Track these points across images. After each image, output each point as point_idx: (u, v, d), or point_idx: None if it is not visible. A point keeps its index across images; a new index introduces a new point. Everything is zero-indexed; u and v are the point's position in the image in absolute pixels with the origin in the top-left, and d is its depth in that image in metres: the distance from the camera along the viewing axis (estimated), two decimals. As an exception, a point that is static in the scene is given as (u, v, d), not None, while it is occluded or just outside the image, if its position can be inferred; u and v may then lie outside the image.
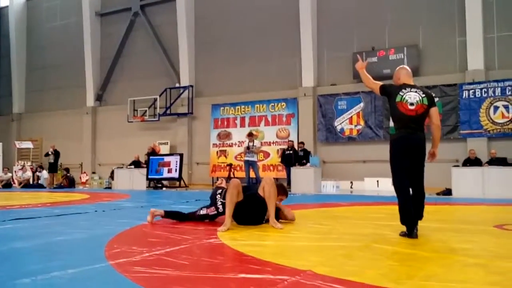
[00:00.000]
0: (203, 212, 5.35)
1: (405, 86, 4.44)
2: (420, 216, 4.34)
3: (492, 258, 3.34)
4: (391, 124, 4.45)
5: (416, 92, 4.37)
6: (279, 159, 15.68)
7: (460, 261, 3.32)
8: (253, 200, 5.07)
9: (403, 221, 4.28)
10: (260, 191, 5.10)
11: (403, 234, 4.28)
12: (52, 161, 18.68)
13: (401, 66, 4.81)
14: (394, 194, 4.35)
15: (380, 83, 4.63)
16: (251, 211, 5.06)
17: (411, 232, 4.19)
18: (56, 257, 3.50)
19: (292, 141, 15.27)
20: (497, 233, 4.72)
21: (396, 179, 4.36)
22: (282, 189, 5.43)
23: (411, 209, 4.22)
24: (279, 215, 5.30)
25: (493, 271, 2.95)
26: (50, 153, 18.67)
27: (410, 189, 4.34)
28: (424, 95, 4.36)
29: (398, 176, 4.34)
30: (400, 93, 4.37)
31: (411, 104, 4.29)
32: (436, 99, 5.43)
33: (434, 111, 4.43)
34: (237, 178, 14.41)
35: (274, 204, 5.02)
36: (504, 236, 4.57)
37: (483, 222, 5.53)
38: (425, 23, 14.48)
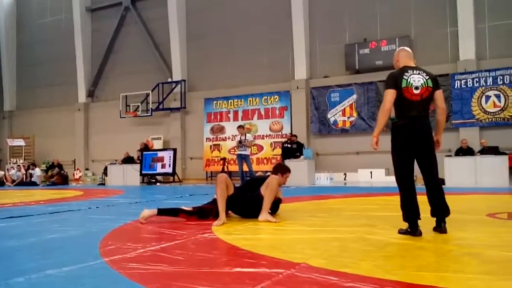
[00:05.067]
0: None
1: (407, 68, 4.04)
2: (444, 211, 3.93)
3: (485, 247, 3.36)
4: (393, 111, 4.05)
5: (419, 74, 4.00)
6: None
7: (453, 250, 3.35)
8: (252, 190, 5.15)
9: (405, 218, 3.89)
10: (263, 188, 5.08)
11: (403, 232, 3.89)
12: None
13: (400, 47, 4.41)
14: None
15: (389, 95, 3.96)
16: (250, 204, 5.08)
17: (414, 230, 3.81)
18: (50, 255, 3.48)
19: (290, 134, 14.95)
20: (489, 222, 4.75)
21: (398, 171, 3.97)
22: (284, 167, 5.45)
23: (414, 204, 3.85)
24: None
25: (486, 260, 2.98)
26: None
27: (423, 183, 4.00)
28: (428, 77, 4.01)
29: (400, 168, 3.95)
30: (404, 77, 3.94)
31: (416, 88, 3.92)
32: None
33: (439, 94, 4.09)
34: (229, 172, 14.36)
35: (270, 199, 5.00)
36: (497, 224, 4.60)
37: (476, 211, 5.57)
38: (417, 14, 14.50)
